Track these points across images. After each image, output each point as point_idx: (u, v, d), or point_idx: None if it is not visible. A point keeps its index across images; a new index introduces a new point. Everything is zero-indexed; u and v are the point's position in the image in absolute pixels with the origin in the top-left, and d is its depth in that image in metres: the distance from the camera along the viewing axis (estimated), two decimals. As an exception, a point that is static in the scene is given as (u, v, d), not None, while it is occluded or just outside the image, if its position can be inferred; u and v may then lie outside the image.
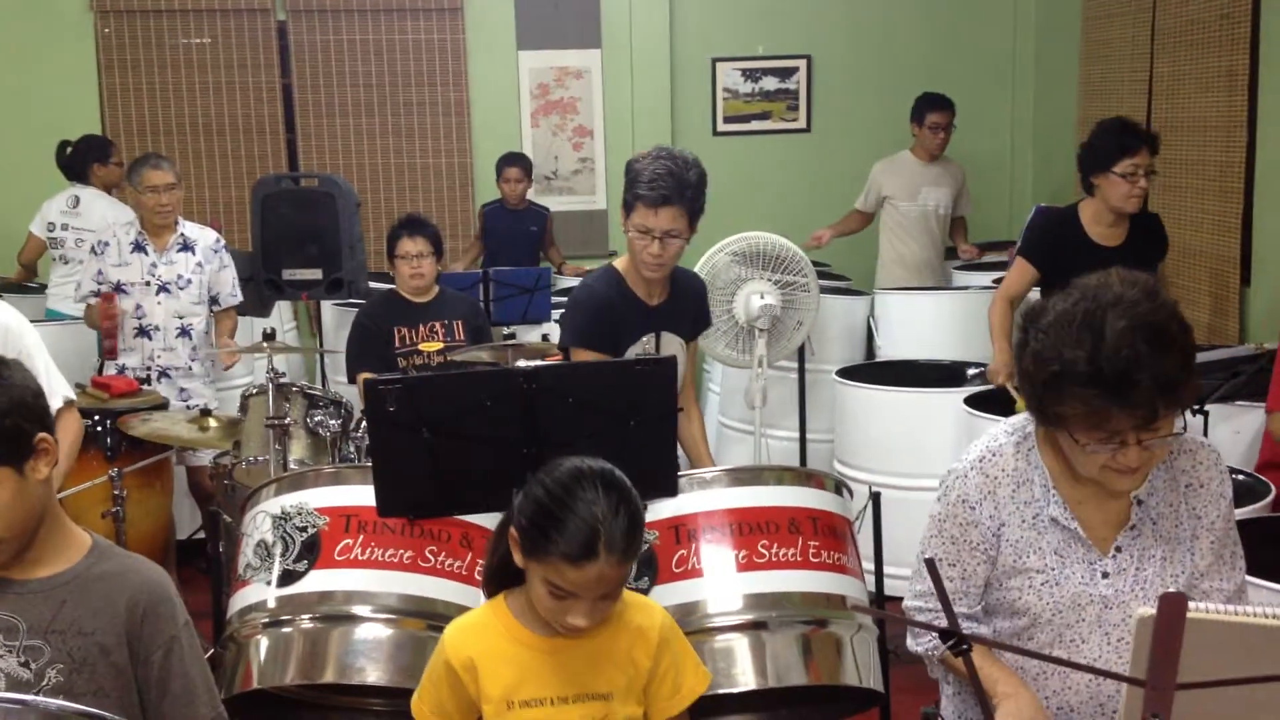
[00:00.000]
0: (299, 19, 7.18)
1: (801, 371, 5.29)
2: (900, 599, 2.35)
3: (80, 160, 6.08)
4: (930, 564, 1.58)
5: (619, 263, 3.48)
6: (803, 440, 5.36)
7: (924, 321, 5.55)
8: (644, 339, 3.42)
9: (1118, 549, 2.09)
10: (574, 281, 5.27)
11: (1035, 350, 1.95)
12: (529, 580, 2.00)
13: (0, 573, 1.99)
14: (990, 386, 4.43)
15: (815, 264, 6.47)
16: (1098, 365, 1.85)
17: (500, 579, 2.11)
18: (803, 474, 3.07)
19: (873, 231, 6.55)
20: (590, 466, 1.99)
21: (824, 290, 5.70)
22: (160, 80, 7.12)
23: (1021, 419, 2.19)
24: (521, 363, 2.78)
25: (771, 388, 4.77)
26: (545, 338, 5.15)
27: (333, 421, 4.20)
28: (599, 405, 2.66)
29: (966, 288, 5.85)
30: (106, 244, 4.97)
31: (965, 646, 1.55)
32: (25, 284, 6.33)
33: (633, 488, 2.00)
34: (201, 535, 5.03)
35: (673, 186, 3.21)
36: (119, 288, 4.91)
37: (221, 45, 7.14)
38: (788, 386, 5.29)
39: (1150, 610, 1.49)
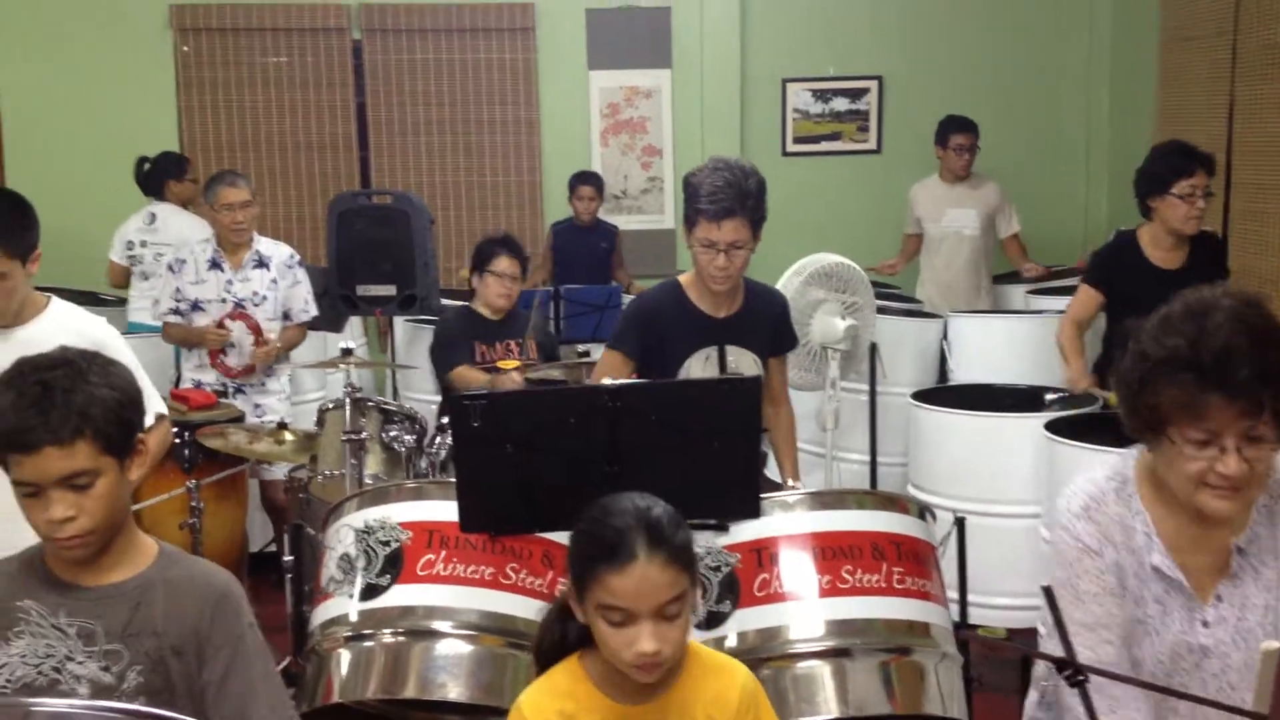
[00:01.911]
0: (373, 38, 7.26)
1: (873, 393, 5.23)
2: (977, 627, 2.28)
3: (156, 177, 6.17)
4: (1047, 591, 1.53)
5: (684, 276, 3.46)
6: (873, 463, 5.30)
7: (997, 345, 5.50)
8: (705, 351, 3.40)
9: (1218, 598, 2.02)
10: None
11: (1136, 351, 1.94)
12: (594, 631, 1.95)
13: (72, 579, 2.02)
14: (1073, 411, 4.37)
15: (887, 286, 6.48)
16: (1198, 349, 1.84)
17: (550, 659, 2.07)
18: (886, 498, 3.00)
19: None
20: (622, 495, 1.99)
21: (896, 313, 5.65)
22: (237, 98, 7.24)
23: (1117, 462, 2.12)
24: (605, 380, 2.77)
25: (841, 409, 4.72)
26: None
27: (408, 436, 4.22)
28: (682, 424, 2.64)
29: (1042, 311, 5.77)
30: (184, 261, 4.96)
31: (1081, 677, 1.51)
32: (101, 297, 6.42)
33: (665, 505, 1.97)
34: (273, 548, 5.06)
35: (734, 198, 3.19)
36: (196, 305, 4.93)
37: (298, 64, 7.25)
38: (857, 409, 5.24)
39: (1276, 644, 1.44)
